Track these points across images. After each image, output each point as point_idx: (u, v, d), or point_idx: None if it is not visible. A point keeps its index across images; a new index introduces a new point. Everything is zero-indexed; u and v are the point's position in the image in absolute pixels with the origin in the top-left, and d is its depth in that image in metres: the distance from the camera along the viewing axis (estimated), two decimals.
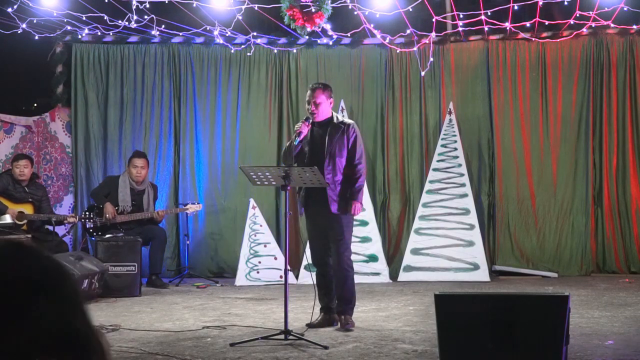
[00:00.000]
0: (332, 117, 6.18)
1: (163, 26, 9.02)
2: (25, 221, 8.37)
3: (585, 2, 8.41)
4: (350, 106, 9.64)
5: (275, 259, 9.00)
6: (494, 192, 9.67)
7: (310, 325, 6.02)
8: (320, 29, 8.45)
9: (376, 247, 9.04)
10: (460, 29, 9.15)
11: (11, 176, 8.49)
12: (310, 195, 6.05)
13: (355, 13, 8.42)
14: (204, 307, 7.23)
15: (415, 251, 9.14)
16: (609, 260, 9.49)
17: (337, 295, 6.11)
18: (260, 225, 9.15)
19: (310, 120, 6.07)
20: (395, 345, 5.33)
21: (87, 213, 8.71)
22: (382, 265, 9.03)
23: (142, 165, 8.89)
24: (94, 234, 8.67)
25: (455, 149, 9.43)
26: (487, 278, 8.89)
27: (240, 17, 8.29)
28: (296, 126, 6.15)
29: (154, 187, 9.17)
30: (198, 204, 9.20)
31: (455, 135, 9.46)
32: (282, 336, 5.45)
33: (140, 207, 8.88)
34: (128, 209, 8.81)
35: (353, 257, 6.26)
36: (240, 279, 8.94)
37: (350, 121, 6.24)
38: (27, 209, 8.45)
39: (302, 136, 5.97)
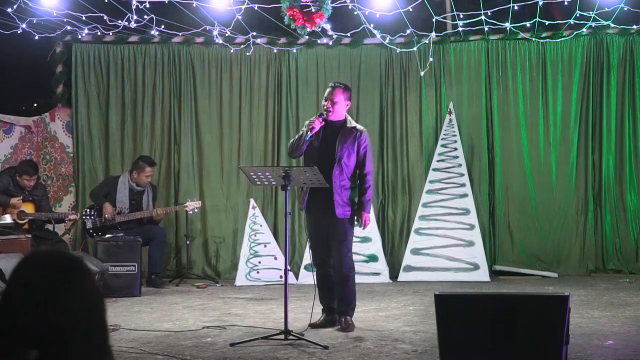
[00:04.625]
0: (345, 120, 6.11)
1: (163, 26, 9.01)
2: (26, 220, 8.37)
3: (585, 2, 8.41)
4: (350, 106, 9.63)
5: (275, 259, 9.01)
6: (494, 192, 9.67)
7: (312, 326, 6.01)
8: (320, 29, 8.44)
9: (376, 247, 9.03)
10: (460, 29, 9.15)
11: (12, 177, 8.49)
12: (314, 198, 5.98)
13: (355, 13, 8.42)
14: (204, 307, 7.23)
15: (415, 251, 9.14)
16: (609, 260, 9.49)
17: (338, 295, 6.10)
18: (260, 225, 9.15)
19: (324, 117, 5.99)
20: (395, 345, 5.33)
21: (87, 210, 8.72)
22: (382, 265, 9.03)
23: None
24: (94, 234, 8.67)
25: (455, 149, 9.43)
26: (487, 278, 8.89)
27: (240, 17, 8.29)
28: (308, 121, 6.10)
29: (154, 187, 9.16)
30: (197, 200, 9.20)
31: (455, 135, 9.46)
32: (282, 336, 5.46)
33: (139, 207, 8.89)
34: (125, 210, 8.81)
35: (353, 257, 6.25)
36: (240, 279, 8.94)
37: (362, 128, 6.15)
38: (28, 208, 8.46)
39: (313, 132, 5.92)
